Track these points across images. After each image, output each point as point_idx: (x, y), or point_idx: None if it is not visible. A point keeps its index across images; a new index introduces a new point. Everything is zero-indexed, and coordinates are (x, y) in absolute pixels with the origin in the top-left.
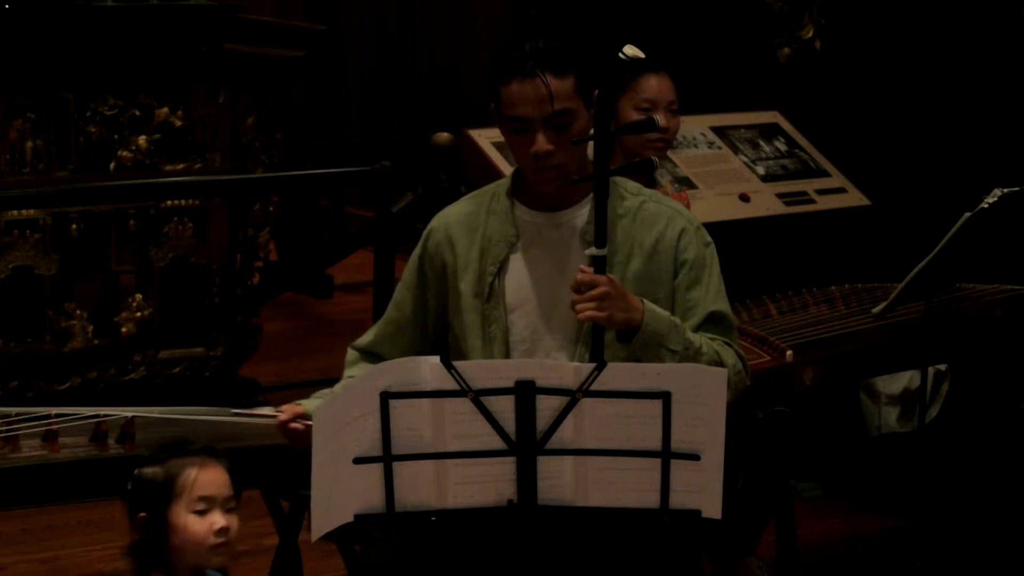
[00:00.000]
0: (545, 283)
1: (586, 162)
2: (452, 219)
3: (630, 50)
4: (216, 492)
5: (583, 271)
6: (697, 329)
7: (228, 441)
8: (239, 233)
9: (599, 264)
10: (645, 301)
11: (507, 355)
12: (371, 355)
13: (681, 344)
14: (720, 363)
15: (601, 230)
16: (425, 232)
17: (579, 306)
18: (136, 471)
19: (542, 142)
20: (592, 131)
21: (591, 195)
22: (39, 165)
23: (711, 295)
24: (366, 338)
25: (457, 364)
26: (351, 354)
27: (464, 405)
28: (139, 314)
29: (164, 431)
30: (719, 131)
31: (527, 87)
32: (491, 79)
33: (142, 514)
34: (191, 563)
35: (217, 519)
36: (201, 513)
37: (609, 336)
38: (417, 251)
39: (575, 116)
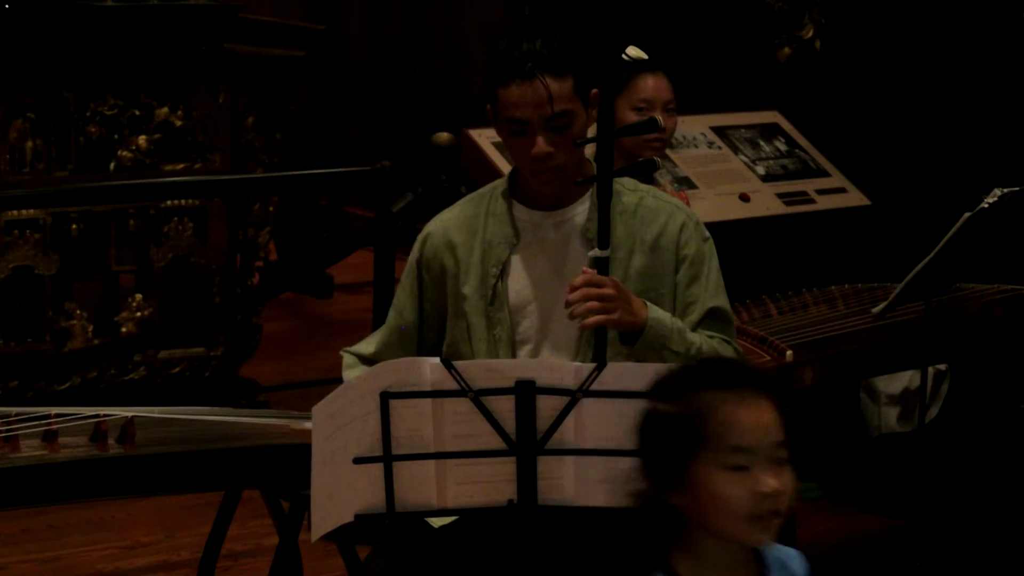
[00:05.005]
0: (547, 282)
1: (584, 161)
2: (450, 223)
3: (633, 51)
4: (761, 440)
5: (586, 272)
6: (696, 325)
7: (228, 441)
8: (239, 233)
9: (602, 266)
10: (648, 303)
11: (513, 356)
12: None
13: (683, 345)
14: None
15: (604, 232)
16: (421, 237)
17: (583, 307)
18: (648, 407)
19: (542, 144)
20: (594, 132)
21: (589, 192)
22: (39, 165)
23: (710, 291)
24: (368, 347)
25: (457, 364)
26: (350, 359)
27: (464, 405)
28: (139, 314)
29: (164, 431)
30: (719, 131)
31: (526, 89)
32: (488, 81)
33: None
34: (724, 534)
35: (765, 480)
36: (738, 470)
37: (612, 335)
38: (414, 255)
39: (574, 117)
